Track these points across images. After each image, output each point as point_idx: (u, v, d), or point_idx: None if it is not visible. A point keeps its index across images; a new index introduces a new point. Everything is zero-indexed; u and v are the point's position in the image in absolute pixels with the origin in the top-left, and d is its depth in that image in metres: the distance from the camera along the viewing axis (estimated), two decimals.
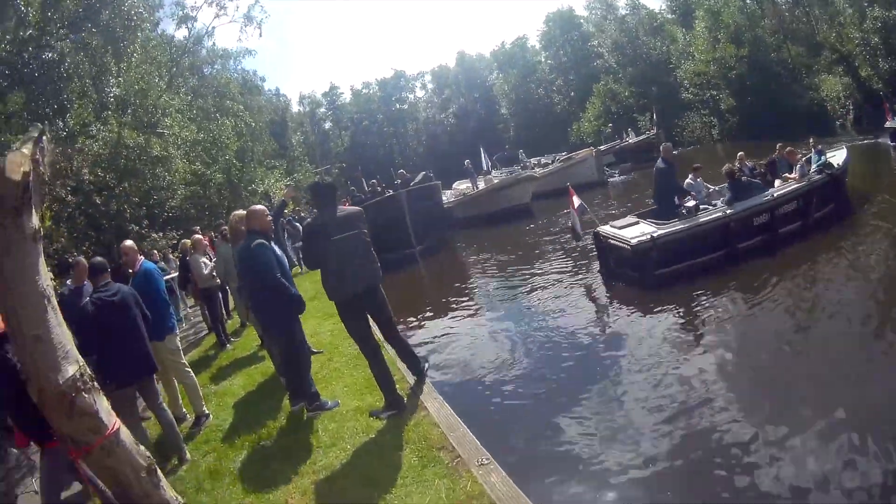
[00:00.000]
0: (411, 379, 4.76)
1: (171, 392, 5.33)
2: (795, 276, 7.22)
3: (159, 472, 2.63)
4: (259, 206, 4.70)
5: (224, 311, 8.83)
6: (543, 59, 56.43)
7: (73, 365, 2.35)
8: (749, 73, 30.28)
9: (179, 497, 2.75)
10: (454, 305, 9.50)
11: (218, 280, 7.88)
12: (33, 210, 2.29)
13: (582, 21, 52.99)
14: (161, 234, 15.50)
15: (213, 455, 4.37)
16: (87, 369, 2.43)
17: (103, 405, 2.46)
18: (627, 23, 44.92)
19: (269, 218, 4.66)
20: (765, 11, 32.17)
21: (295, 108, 62.39)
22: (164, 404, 4.58)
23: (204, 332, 9.12)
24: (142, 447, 2.62)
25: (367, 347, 4.35)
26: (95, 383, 2.45)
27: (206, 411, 5.21)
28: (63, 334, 2.37)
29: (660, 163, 8.97)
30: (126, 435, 2.54)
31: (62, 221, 12.31)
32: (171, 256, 12.96)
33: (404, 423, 4.06)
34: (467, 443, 3.64)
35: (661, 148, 9.45)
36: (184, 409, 5.38)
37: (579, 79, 50.24)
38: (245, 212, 4.85)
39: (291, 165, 40.83)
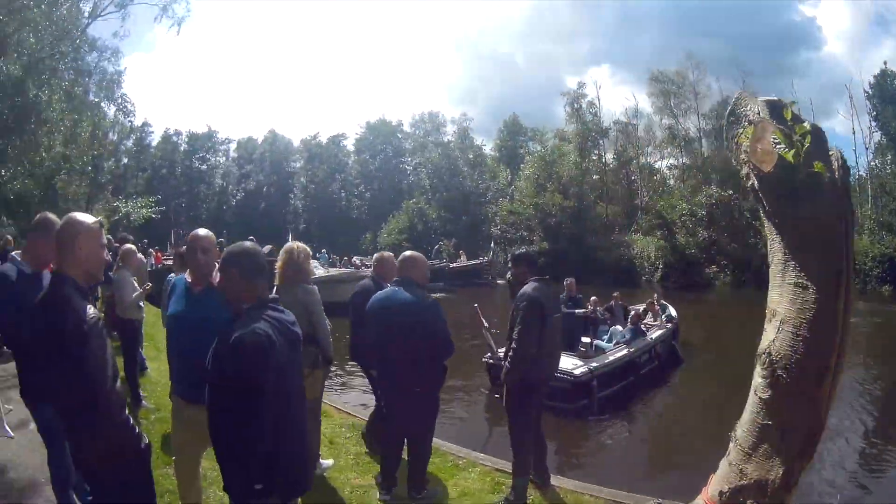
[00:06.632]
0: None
1: None
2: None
3: None
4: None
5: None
6: (351, 163, 57.09)
7: None
8: (571, 223, 34.01)
9: None
10: None
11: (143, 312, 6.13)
12: None
13: (400, 136, 55.08)
14: None
15: None
16: None
17: None
18: (451, 149, 47.03)
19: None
20: (591, 169, 37.04)
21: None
22: None
23: None
24: None
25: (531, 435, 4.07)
26: None
27: None
28: None
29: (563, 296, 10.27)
30: None
31: None
32: None
33: None
34: None
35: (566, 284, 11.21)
36: None
37: (382, 191, 51.72)
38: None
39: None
